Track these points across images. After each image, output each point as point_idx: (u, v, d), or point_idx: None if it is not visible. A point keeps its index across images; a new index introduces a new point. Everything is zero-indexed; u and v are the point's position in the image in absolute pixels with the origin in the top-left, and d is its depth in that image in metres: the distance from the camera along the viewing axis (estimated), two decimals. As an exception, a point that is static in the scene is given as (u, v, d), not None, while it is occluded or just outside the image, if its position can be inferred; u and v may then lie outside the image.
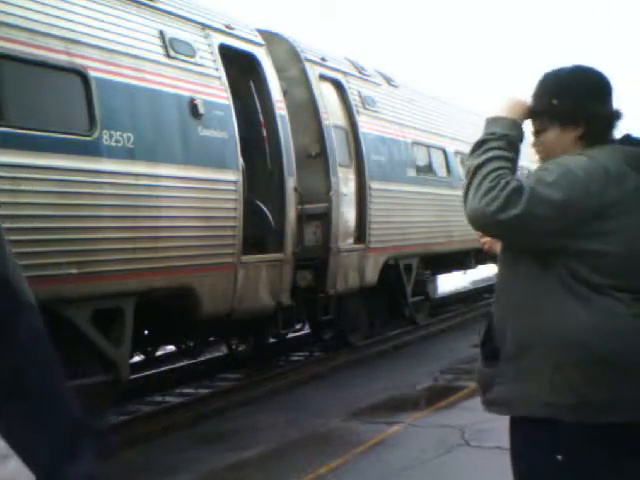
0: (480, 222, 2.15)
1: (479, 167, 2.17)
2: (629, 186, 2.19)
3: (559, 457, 2.15)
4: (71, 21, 6.29)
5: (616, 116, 2.34)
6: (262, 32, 9.39)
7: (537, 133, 2.37)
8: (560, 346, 2.15)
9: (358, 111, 10.73)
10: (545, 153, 2.38)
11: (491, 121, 2.30)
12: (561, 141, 2.32)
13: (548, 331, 2.16)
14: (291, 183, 8.83)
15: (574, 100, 2.29)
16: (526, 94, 2.41)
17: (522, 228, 2.13)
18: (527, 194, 2.09)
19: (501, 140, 2.22)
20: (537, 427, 2.20)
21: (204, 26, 8.00)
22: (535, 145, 2.41)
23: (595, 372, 2.13)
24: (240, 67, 8.75)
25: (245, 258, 8.02)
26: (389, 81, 12.44)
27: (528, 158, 17.55)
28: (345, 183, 10.12)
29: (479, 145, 2.24)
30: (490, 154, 2.19)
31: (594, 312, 2.13)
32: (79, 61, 6.25)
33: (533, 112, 2.36)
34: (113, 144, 6.38)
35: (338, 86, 10.63)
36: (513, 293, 2.28)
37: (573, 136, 2.30)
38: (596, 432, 2.12)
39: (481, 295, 18.65)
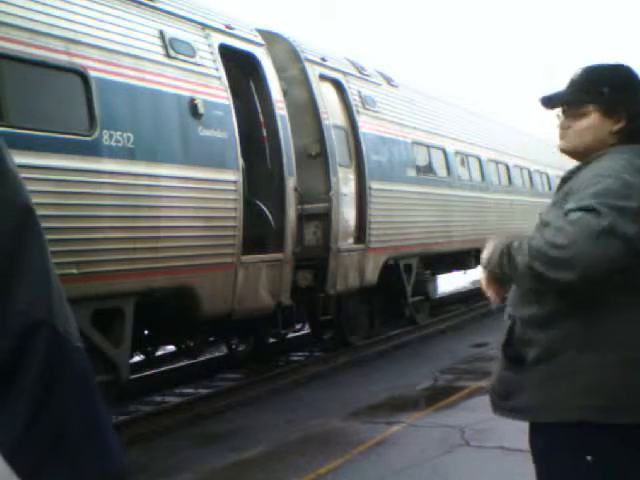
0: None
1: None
2: None
3: (589, 458, 2.13)
4: (71, 21, 6.29)
5: None
6: (262, 32, 9.39)
7: (573, 118, 2.36)
8: (594, 348, 2.13)
9: (358, 111, 10.73)
10: (571, 140, 2.37)
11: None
12: (597, 130, 2.32)
13: (582, 335, 2.15)
14: (291, 183, 8.83)
15: (623, 93, 2.31)
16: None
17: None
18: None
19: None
20: (564, 429, 2.17)
21: (204, 26, 8.00)
22: (565, 127, 2.39)
23: (630, 373, 2.11)
24: (240, 67, 8.74)
25: (245, 258, 8.02)
26: (389, 81, 12.43)
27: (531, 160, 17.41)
28: (345, 183, 10.12)
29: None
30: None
31: (630, 313, 2.13)
32: (79, 61, 6.25)
33: (575, 100, 2.36)
34: (113, 144, 6.38)
35: (338, 86, 10.63)
36: (544, 301, 2.22)
37: (610, 128, 2.31)
38: (627, 433, 2.11)
39: (481, 295, 18.61)
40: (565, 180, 2.33)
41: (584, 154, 2.35)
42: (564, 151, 2.43)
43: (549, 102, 2.43)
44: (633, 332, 2.12)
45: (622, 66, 2.41)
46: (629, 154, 2.24)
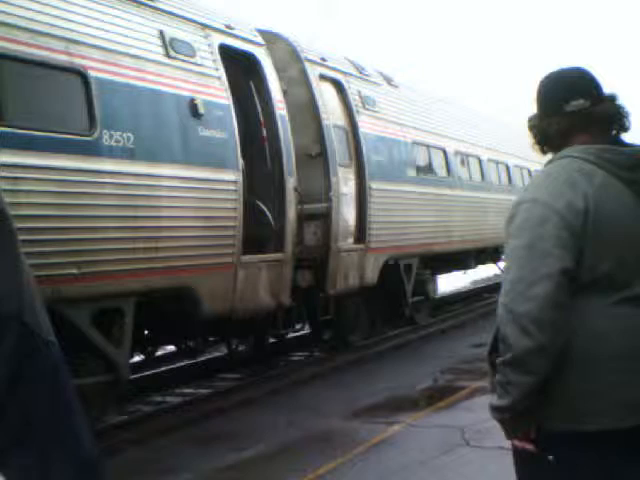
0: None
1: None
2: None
3: (550, 457, 2.17)
4: (71, 21, 6.29)
5: (582, 117, 2.31)
6: (262, 32, 9.39)
7: None
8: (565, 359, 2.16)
9: (358, 111, 10.73)
10: None
11: None
12: (534, 146, 2.43)
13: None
14: (291, 183, 8.83)
15: (534, 110, 2.39)
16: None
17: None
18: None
19: None
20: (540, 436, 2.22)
21: (204, 26, 8.00)
22: None
23: (588, 384, 2.15)
24: (240, 67, 8.74)
25: (245, 258, 8.02)
26: (389, 81, 12.43)
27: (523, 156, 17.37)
28: (345, 183, 10.12)
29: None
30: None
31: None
32: (79, 61, 6.25)
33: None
34: (113, 144, 6.38)
35: (338, 86, 10.63)
36: None
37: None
38: (584, 436, 2.13)
39: (481, 295, 18.66)
40: None
41: None
42: None
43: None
44: (595, 341, 2.13)
45: (541, 79, 2.42)
46: (564, 160, 2.27)
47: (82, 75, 6.26)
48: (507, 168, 16.77)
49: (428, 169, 12.82)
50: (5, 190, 5.47)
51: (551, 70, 2.42)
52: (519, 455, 2.29)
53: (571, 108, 2.29)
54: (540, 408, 2.15)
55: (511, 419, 2.18)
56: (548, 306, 2.05)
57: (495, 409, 2.19)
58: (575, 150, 2.26)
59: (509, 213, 2.23)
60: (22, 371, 0.93)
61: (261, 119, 8.89)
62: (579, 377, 2.12)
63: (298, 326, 10.19)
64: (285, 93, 9.23)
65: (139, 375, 9.23)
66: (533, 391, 2.11)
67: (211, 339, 9.79)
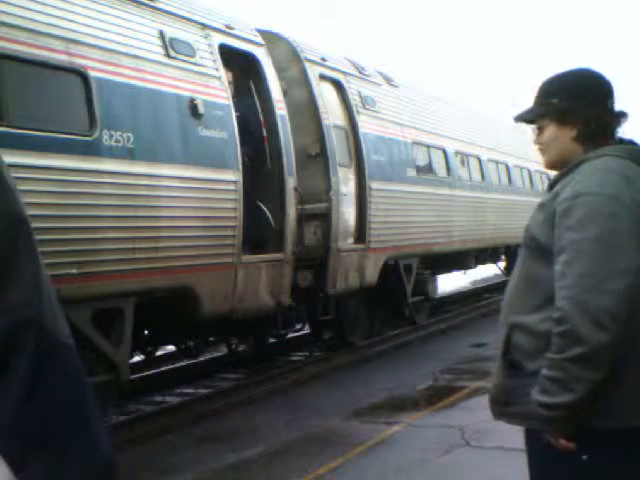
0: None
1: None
2: None
3: (584, 457, 2.13)
4: (71, 21, 6.29)
5: (615, 118, 2.33)
6: (262, 32, 9.39)
7: (538, 131, 2.41)
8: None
9: (358, 111, 10.73)
10: (544, 152, 2.41)
11: None
12: (558, 140, 2.35)
13: None
14: (291, 183, 8.83)
15: (571, 100, 2.32)
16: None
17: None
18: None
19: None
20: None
21: (204, 26, 7.99)
22: (536, 143, 2.44)
23: (622, 382, 2.12)
24: (240, 67, 8.74)
25: (245, 258, 8.02)
26: (389, 81, 12.43)
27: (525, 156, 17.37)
28: (345, 183, 10.12)
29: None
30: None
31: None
32: (79, 61, 6.25)
33: (536, 113, 2.40)
34: (113, 144, 6.38)
35: (338, 86, 10.63)
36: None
37: (569, 135, 2.33)
38: (617, 435, 2.12)
39: (481, 295, 18.65)
40: (553, 185, 2.33)
41: (563, 165, 2.35)
42: (547, 167, 2.47)
43: (520, 120, 2.49)
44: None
45: (573, 72, 2.41)
46: (608, 158, 2.24)
47: (82, 75, 6.26)
48: (507, 168, 16.77)
49: (428, 169, 12.82)
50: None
51: (560, 69, 2.41)
52: (545, 454, 2.23)
53: (612, 104, 2.32)
54: (591, 406, 2.10)
55: (564, 417, 2.10)
56: (624, 300, 2.01)
57: (551, 407, 2.09)
58: (609, 150, 2.26)
59: (562, 206, 2.15)
60: (41, 374, 0.96)
61: (261, 119, 8.89)
62: (635, 374, 2.10)
63: (298, 326, 10.19)
64: (285, 93, 9.23)
65: (139, 375, 9.24)
66: (597, 387, 2.05)
67: (211, 339, 9.79)
